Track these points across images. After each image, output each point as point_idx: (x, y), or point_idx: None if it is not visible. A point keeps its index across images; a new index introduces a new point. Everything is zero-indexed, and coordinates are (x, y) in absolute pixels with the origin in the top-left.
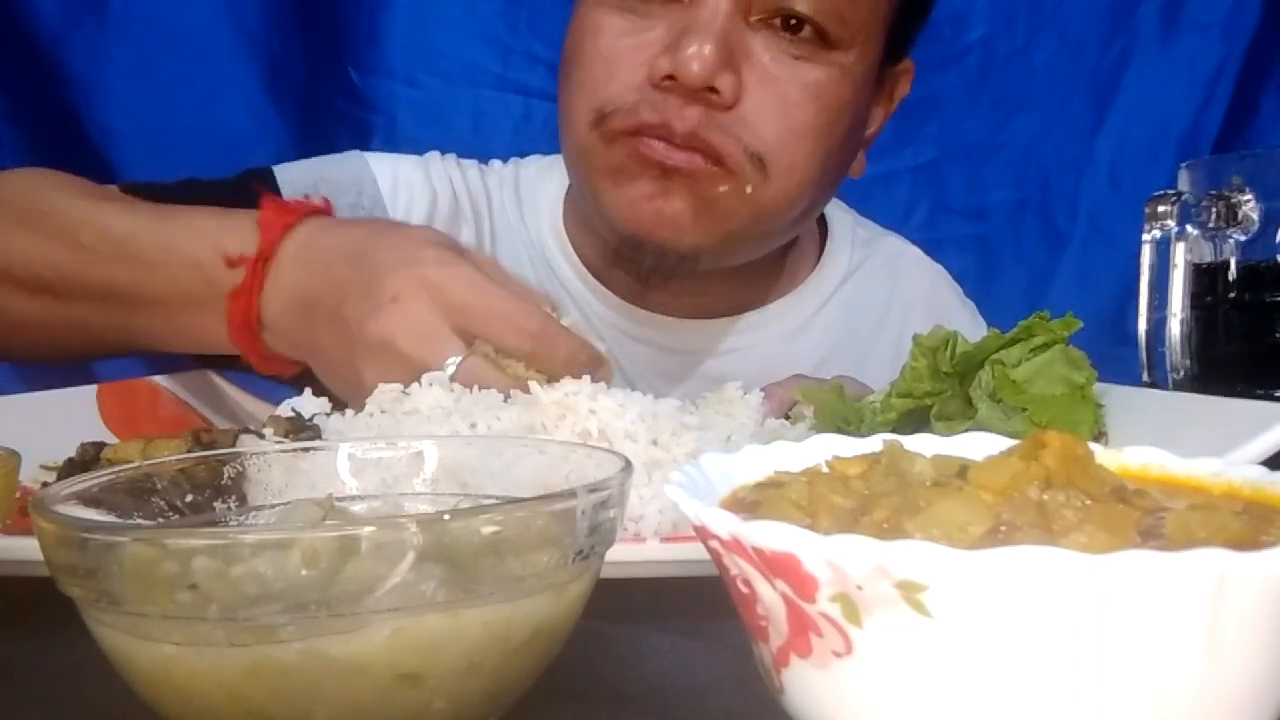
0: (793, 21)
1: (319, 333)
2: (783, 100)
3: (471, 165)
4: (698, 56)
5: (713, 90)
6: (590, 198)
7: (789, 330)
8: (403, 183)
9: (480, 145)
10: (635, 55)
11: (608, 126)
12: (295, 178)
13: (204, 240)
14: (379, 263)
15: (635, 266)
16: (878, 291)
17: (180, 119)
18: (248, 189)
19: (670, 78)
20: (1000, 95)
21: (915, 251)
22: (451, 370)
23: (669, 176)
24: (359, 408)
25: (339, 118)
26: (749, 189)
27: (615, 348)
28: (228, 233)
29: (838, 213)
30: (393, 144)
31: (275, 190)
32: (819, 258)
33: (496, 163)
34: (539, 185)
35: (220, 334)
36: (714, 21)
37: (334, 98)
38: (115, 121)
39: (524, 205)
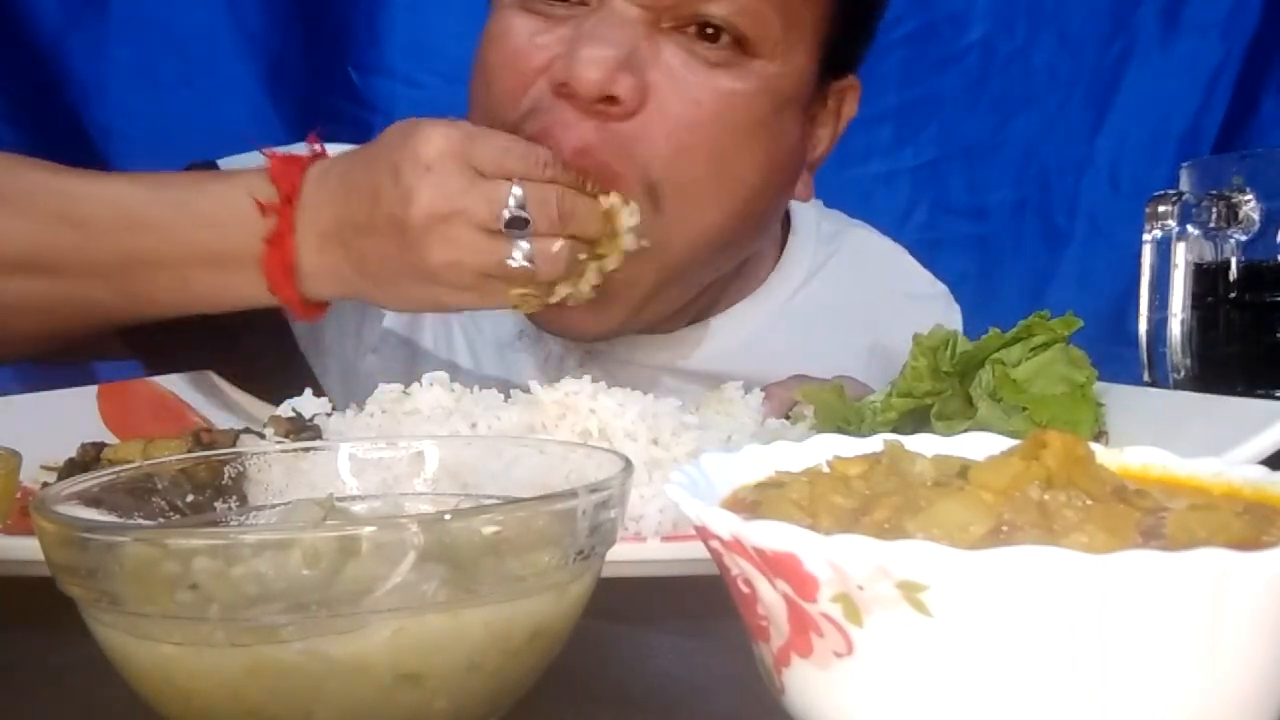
0: (709, 30)
1: (364, 250)
2: (690, 106)
3: None
4: (593, 60)
5: (612, 100)
6: None
7: (753, 332)
8: None
9: None
10: (538, 64)
11: None
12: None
13: (217, 197)
14: (391, 152)
15: (545, 350)
16: (846, 287)
17: (180, 119)
18: None
19: (566, 85)
20: (1000, 95)
21: (884, 241)
22: (516, 201)
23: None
24: (422, 307)
25: (339, 118)
26: (643, 243)
27: (569, 360)
28: (243, 185)
29: (801, 206)
30: None
31: None
32: (779, 255)
33: None
34: None
35: (244, 290)
36: (616, 25)
37: (334, 98)
38: (115, 121)
39: None
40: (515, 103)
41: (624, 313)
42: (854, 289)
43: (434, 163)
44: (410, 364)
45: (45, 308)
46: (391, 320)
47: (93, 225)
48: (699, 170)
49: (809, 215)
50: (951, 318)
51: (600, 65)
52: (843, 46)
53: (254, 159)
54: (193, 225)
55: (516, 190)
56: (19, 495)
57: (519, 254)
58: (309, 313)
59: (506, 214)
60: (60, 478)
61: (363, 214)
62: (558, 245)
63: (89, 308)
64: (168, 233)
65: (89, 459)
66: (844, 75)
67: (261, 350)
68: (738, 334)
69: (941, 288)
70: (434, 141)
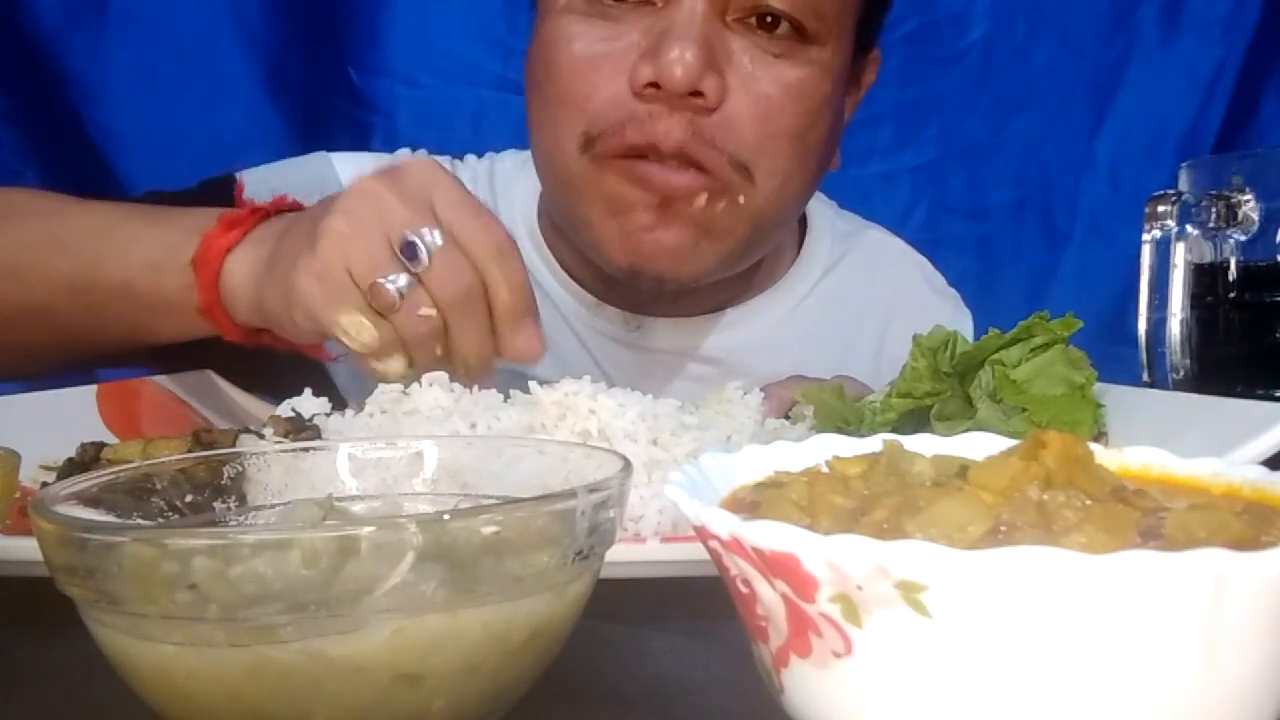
0: (769, 19)
1: (288, 236)
2: (764, 102)
3: (442, 161)
4: (680, 61)
5: (697, 94)
6: (581, 226)
7: (770, 325)
8: None
9: (480, 145)
10: (612, 64)
11: (597, 150)
12: (255, 182)
13: (186, 214)
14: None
15: (631, 294)
16: (859, 285)
17: (181, 119)
18: (208, 198)
19: (652, 85)
20: (1000, 95)
21: (897, 243)
22: (428, 242)
23: (667, 206)
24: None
25: (339, 118)
26: (742, 199)
27: (594, 347)
28: (216, 211)
29: (817, 205)
30: (392, 144)
31: (235, 198)
32: (798, 251)
33: (471, 157)
34: (514, 180)
35: (173, 289)
36: (693, 23)
37: (334, 98)
38: (116, 122)
39: (498, 201)
40: (585, 107)
41: (716, 258)
42: (868, 287)
43: (400, 171)
44: None
45: (9, 317)
46: None
47: (70, 236)
48: (782, 151)
49: (825, 214)
50: (961, 321)
51: (687, 65)
52: (872, 23)
53: (277, 169)
54: (152, 233)
55: (438, 235)
56: (19, 495)
57: (398, 284)
58: (218, 313)
59: (411, 236)
60: (59, 477)
61: (315, 208)
62: (430, 312)
63: (49, 319)
64: (129, 240)
65: (88, 459)
66: (871, 49)
67: (271, 350)
68: (757, 325)
69: (953, 291)
70: (421, 169)
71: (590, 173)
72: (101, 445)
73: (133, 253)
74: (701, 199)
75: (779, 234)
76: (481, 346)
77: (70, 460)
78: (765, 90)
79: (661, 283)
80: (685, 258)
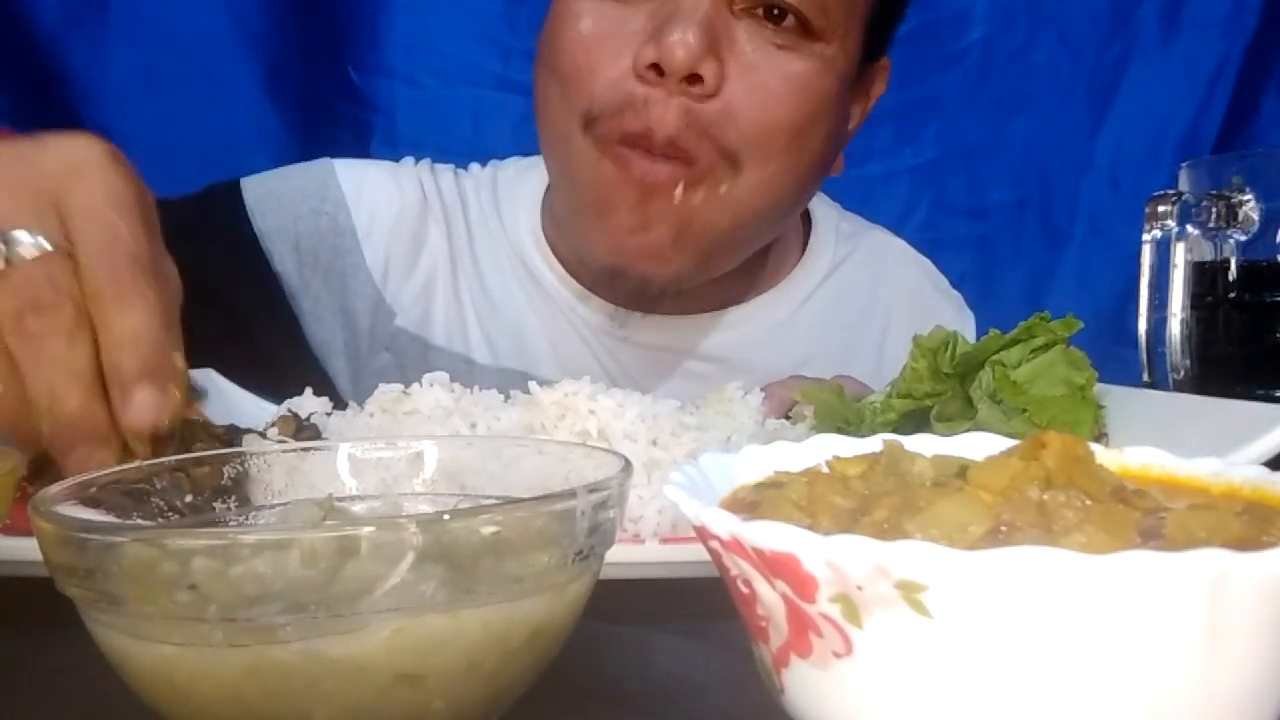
0: (776, 11)
1: None
2: (763, 91)
3: (446, 170)
4: (682, 43)
5: (696, 78)
6: (572, 220)
7: (773, 324)
8: (368, 188)
9: (480, 145)
10: (618, 44)
11: (598, 131)
12: (258, 187)
13: None
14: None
15: (616, 293)
16: (863, 285)
17: (180, 119)
18: (214, 203)
19: (654, 66)
20: (1000, 95)
21: (900, 244)
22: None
23: (646, 201)
24: None
25: (339, 118)
26: (723, 189)
27: (598, 346)
28: None
29: (821, 206)
30: (393, 144)
31: (240, 203)
32: (803, 252)
33: (475, 166)
34: (517, 187)
35: None
36: (698, 8)
37: (334, 98)
38: (115, 122)
39: (502, 207)
40: (588, 84)
41: (698, 254)
42: (871, 288)
43: (50, 149)
44: (423, 360)
45: None
46: (403, 318)
47: None
48: (777, 143)
49: (830, 214)
50: (964, 323)
51: (689, 47)
52: (882, 30)
53: (280, 174)
54: None
55: (42, 240)
56: (19, 496)
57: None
58: None
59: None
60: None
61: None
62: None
63: None
64: None
65: None
66: (880, 57)
67: (275, 350)
68: (760, 324)
69: (956, 293)
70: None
71: (591, 155)
72: None
73: None
74: (679, 190)
75: (766, 231)
76: (70, 402)
77: None
78: (766, 80)
79: (645, 283)
80: (667, 257)
